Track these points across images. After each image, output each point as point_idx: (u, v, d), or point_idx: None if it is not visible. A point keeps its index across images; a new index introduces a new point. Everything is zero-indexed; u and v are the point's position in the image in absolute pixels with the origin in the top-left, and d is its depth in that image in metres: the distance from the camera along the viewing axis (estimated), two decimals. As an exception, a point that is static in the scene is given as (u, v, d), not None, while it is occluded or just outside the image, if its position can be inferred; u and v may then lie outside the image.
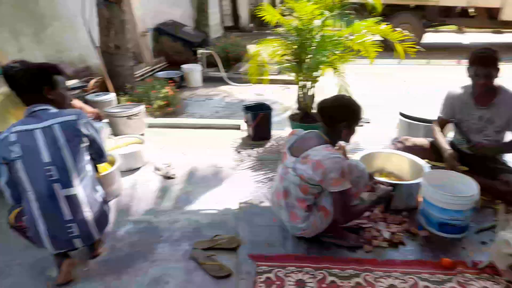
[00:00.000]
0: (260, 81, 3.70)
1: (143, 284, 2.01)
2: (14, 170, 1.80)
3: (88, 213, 1.90)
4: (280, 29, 3.64)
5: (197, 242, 2.30)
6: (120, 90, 4.72)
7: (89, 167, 1.98)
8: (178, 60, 7.02)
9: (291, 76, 3.69)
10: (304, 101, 3.54)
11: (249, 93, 6.09)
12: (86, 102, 4.26)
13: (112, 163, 2.97)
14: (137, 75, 6.06)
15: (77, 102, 3.02)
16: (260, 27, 13.71)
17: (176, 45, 7.30)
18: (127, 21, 4.69)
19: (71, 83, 4.25)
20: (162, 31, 7.27)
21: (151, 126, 4.14)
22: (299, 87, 3.57)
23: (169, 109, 4.70)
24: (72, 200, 1.85)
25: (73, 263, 2.00)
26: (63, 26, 4.84)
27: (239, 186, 2.95)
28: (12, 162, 1.79)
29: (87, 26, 4.45)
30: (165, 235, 2.41)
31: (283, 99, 5.60)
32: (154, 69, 6.68)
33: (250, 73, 3.62)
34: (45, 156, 1.81)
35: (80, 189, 1.88)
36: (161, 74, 6.17)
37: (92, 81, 4.76)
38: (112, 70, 4.69)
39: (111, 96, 4.39)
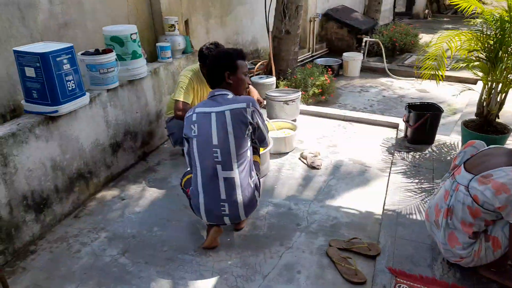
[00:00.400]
0: (430, 77, 3.24)
1: (277, 267, 2.09)
2: (190, 145, 2.10)
3: (240, 196, 2.08)
4: (477, 20, 3.08)
5: (334, 240, 2.25)
6: (281, 74, 4.93)
7: (249, 153, 2.15)
8: (339, 47, 6.89)
9: (474, 75, 3.13)
10: (488, 107, 2.95)
11: (411, 88, 5.54)
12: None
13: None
14: (298, 60, 6.22)
15: (252, 88, 3.27)
16: (437, 14, 12.20)
17: (341, 31, 7.15)
18: (302, 7, 4.79)
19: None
20: (330, 17, 7.22)
21: (303, 112, 4.20)
22: (486, 89, 2.98)
23: (323, 97, 4.68)
24: (229, 182, 2.06)
25: (219, 231, 2.22)
26: (244, 10, 5.30)
27: (386, 190, 2.74)
28: (190, 139, 2.09)
29: (266, 10, 4.74)
30: (303, 224, 2.44)
31: (451, 99, 4.89)
32: (314, 55, 6.73)
33: (424, 67, 3.20)
34: (214, 139, 2.03)
35: (237, 173, 2.06)
36: (320, 60, 6.16)
37: (259, 64, 5.11)
38: (278, 54, 4.91)
39: (273, 79, 4.62)
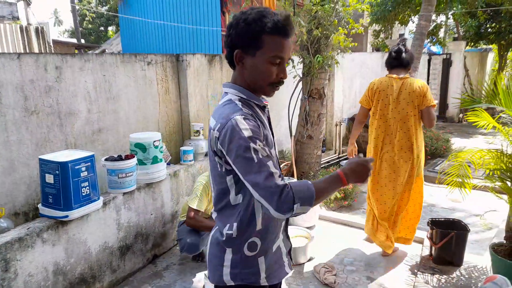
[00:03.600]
0: (459, 186, 3.08)
1: None
2: None
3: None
4: (495, 139, 3.01)
5: None
6: (303, 176, 4.94)
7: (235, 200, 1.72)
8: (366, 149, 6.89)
9: (497, 197, 2.94)
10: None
11: (443, 197, 5.27)
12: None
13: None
14: (324, 161, 6.26)
15: None
16: (472, 117, 12.14)
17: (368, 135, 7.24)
18: (324, 114, 5.00)
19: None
20: (356, 120, 7.41)
21: (322, 218, 4.06)
22: (512, 209, 2.78)
23: (345, 202, 4.55)
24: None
25: None
26: (271, 115, 5.57)
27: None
28: None
29: (290, 117, 4.99)
30: None
31: (487, 212, 4.55)
32: (341, 157, 6.76)
33: (447, 181, 3.08)
34: None
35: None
36: (345, 162, 6.15)
37: (282, 165, 5.19)
38: (300, 157, 5.00)
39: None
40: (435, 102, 3.09)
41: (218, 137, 1.27)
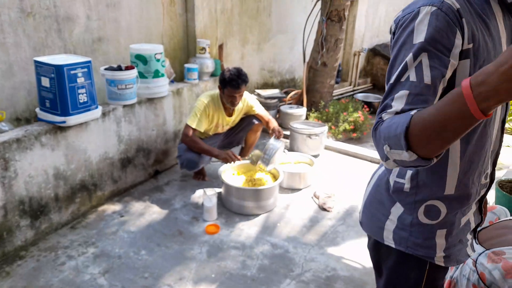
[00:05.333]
0: None
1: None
2: None
3: None
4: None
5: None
6: (313, 106, 4.79)
7: None
8: (384, 84, 6.59)
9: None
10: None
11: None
12: (279, 112, 4.53)
13: (275, 177, 3.02)
14: (338, 93, 6.04)
15: (270, 119, 3.21)
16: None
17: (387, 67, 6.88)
18: (342, 40, 4.67)
19: (272, 92, 4.58)
20: (378, 52, 6.98)
21: (328, 148, 4.00)
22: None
23: (354, 134, 4.44)
24: None
25: None
26: (285, 39, 5.29)
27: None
28: None
29: (305, 41, 4.69)
30: (296, 271, 2.24)
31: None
32: (356, 90, 6.51)
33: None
34: None
35: None
36: (360, 96, 5.93)
37: (292, 93, 5.01)
38: (312, 85, 4.80)
39: (303, 110, 4.49)
40: None
41: None
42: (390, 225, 1.05)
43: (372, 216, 1.11)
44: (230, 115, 3.12)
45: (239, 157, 2.98)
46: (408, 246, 1.03)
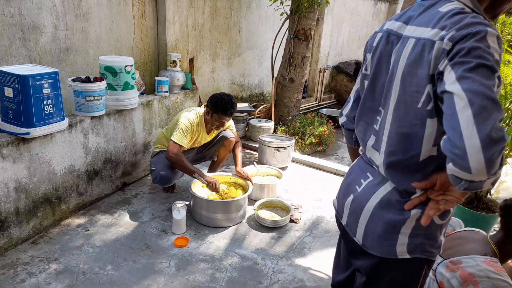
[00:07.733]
0: None
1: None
2: None
3: None
4: None
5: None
6: (281, 120, 4.90)
7: None
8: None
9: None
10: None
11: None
12: (248, 125, 4.61)
13: (245, 189, 3.06)
14: (304, 107, 6.22)
15: (230, 134, 3.23)
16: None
17: (350, 85, 7.18)
18: (308, 58, 4.85)
19: (241, 106, 4.65)
20: (341, 69, 7.30)
21: (295, 161, 4.11)
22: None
23: (319, 147, 4.59)
24: None
25: None
26: (254, 55, 5.41)
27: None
28: None
29: (273, 57, 4.82)
30: (264, 283, 2.27)
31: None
32: (321, 105, 6.74)
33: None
34: None
35: None
36: (325, 110, 6.15)
37: (260, 107, 5.12)
38: (280, 100, 4.92)
39: (271, 124, 4.60)
40: None
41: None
42: (403, 238, 1.09)
43: (380, 237, 1.13)
44: (209, 132, 3.14)
45: (220, 191, 2.96)
46: (422, 250, 1.09)
